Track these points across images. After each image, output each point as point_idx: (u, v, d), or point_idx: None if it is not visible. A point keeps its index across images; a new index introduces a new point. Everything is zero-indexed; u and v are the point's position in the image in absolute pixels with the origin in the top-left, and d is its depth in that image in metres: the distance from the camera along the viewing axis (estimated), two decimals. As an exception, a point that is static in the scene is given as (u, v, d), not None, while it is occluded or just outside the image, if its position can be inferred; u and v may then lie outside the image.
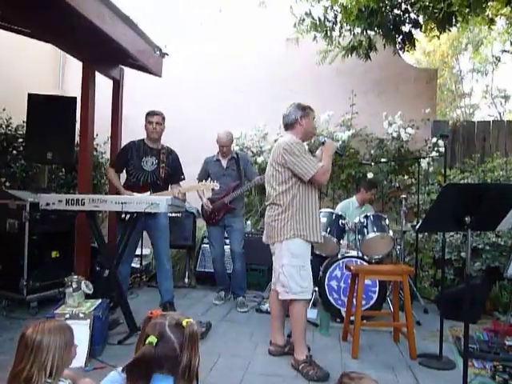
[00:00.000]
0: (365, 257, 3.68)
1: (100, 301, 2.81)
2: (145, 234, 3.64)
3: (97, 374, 2.14)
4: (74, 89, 4.71)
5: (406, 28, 4.58)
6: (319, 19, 4.56)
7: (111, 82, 4.31)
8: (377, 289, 3.53)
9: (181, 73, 5.93)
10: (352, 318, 2.98)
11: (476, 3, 3.62)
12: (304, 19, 4.59)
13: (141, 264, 4.73)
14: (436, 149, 4.93)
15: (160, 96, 5.96)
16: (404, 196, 4.32)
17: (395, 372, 2.60)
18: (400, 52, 4.91)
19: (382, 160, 4.96)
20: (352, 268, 2.99)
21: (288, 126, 2.75)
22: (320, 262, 3.84)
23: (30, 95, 4.08)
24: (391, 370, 2.62)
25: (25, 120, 4.18)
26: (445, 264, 3.27)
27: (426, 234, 4.57)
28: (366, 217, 3.77)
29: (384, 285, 3.55)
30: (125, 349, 2.72)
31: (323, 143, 2.73)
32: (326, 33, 4.67)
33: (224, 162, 3.99)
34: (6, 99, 4.63)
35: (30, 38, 4.10)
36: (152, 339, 1.18)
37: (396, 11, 4.38)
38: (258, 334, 3.18)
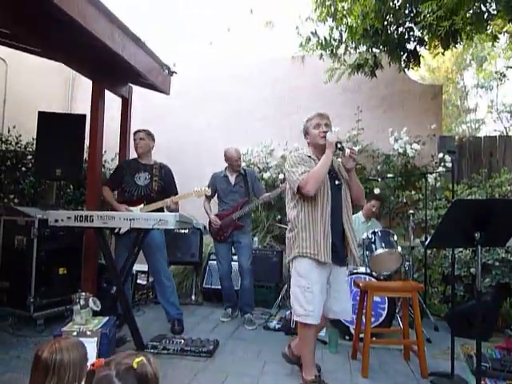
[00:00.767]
0: (373, 273, 3.67)
1: (107, 318, 2.80)
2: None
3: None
4: (83, 106, 4.81)
5: (410, 45, 4.65)
6: (325, 38, 4.64)
7: (120, 99, 4.39)
8: (386, 306, 3.50)
9: (188, 90, 6.04)
10: (361, 335, 2.95)
11: (478, 22, 3.68)
12: (310, 39, 4.67)
13: (147, 280, 4.72)
14: (443, 164, 4.94)
15: (168, 113, 6.08)
16: (411, 211, 4.32)
17: (406, 391, 2.56)
18: (405, 69, 4.97)
19: (389, 175, 4.98)
20: (360, 285, 2.98)
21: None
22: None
23: (40, 113, 4.16)
24: (402, 390, 2.58)
25: (34, 137, 4.25)
26: (454, 280, 3.24)
27: (435, 249, 4.54)
28: (374, 233, 3.76)
29: (393, 301, 3.52)
30: (132, 367, 2.69)
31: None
32: (332, 51, 4.75)
33: (232, 179, 4.02)
34: (16, 117, 4.73)
35: (41, 57, 4.21)
36: None
37: (400, 29, 4.46)
38: (266, 352, 3.15)
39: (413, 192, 4.98)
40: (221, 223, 3.92)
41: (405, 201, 4.97)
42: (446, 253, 4.44)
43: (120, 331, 3.19)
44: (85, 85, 4.96)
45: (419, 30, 4.35)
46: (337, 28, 4.52)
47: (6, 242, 3.60)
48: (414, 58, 4.67)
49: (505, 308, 3.95)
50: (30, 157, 4.75)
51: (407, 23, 4.40)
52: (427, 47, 4.48)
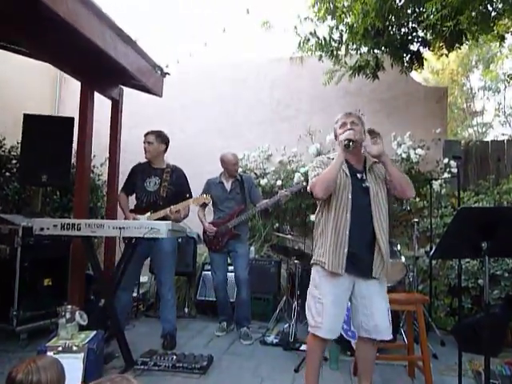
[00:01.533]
0: (376, 285, 3.66)
1: (95, 332, 2.79)
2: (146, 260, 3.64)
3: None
4: (71, 108, 4.80)
5: (413, 47, 4.68)
6: (324, 39, 4.67)
7: (110, 101, 4.39)
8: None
9: (182, 92, 6.06)
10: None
11: (484, 22, 3.71)
12: (309, 39, 4.70)
13: (138, 292, 4.69)
14: (448, 170, 4.96)
15: (161, 117, 6.08)
16: (416, 220, 4.33)
17: (411, 410, 2.54)
18: (408, 71, 5.00)
19: (392, 182, 4.99)
20: (363, 297, 2.96)
21: None
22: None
23: (25, 115, 4.15)
24: (407, 408, 2.56)
25: (19, 141, 4.24)
26: (461, 292, 3.24)
27: (441, 260, 4.55)
28: (377, 242, 3.76)
29: (397, 315, 3.51)
30: (121, 384, 2.67)
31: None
32: (332, 52, 4.77)
33: (227, 185, 4.02)
34: (0, 119, 4.71)
35: (28, 57, 4.21)
36: None
37: (403, 30, 4.49)
38: (263, 369, 3.13)
39: (417, 199, 4.99)
40: (216, 232, 3.91)
41: (409, 208, 4.97)
42: (452, 263, 4.44)
43: (108, 346, 3.17)
44: (73, 86, 4.97)
45: (422, 31, 4.38)
46: (337, 28, 4.55)
47: (-12, 252, 3.57)
48: (418, 60, 4.71)
49: (514, 321, 3.95)
50: (14, 161, 4.73)
51: (410, 23, 4.44)
52: (431, 48, 4.52)
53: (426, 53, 4.80)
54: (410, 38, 4.56)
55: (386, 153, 2.32)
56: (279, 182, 5.37)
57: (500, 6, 3.84)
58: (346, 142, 2.25)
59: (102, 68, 3.68)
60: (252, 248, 5.01)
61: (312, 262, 2.45)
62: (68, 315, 2.72)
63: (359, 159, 2.46)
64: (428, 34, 4.39)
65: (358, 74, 4.86)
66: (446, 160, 5.06)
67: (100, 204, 5.44)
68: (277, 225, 5.47)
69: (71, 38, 2.98)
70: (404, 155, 5.12)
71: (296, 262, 4.13)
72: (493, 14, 3.87)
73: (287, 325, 3.93)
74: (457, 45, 4.23)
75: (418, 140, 5.21)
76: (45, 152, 4.00)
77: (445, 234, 2.15)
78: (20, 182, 4.48)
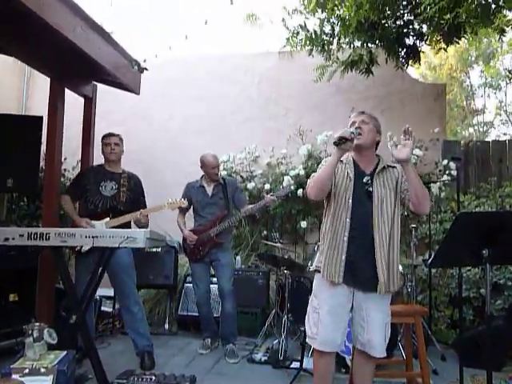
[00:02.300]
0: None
1: (65, 352, 2.73)
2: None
3: None
4: (39, 107, 4.74)
5: (409, 40, 4.74)
6: (315, 32, 4.70)
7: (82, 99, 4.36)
8: (386, 333, 3.49)
9: (162, 89, 6.04)
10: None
11: (483, 15, 3.77)
12: (298, 32, 4.73)
13: (113, 308, 4.64)
14: (448, 172, 5.02)
15: (140, 115, 6.05)
16: (414, 225, 4.36)
17: (410, 431, 2.54)
18: (404, 66, 5.05)
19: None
20: (357, 309, 2.97)
21: None
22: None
23: (-11, 115, 4.09)
24: (405, 429, 2.57)
25: (-18, 142, 4.17)
26: (462, 303, 3.27)
27: (441, 269, 4.58)
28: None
29: (394, 328, 3.52)
30: (94, 409, 2.63)
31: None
32: (323, 46, 4.81)
33: (209, 189, 4.00)
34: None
35: (-9, 51, 4.16)
36: None
37: (398, 22, 4.55)
38: (251, 389, 3.11)
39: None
40: (197, 240, 3.89)
41: (406, 213, 5.01)
42: (452, 272, 4.49)
43: (80, 367, 3.12)
44: (42, 82, 4.91)
45: (419, 24, 4.44)
46: (328, 21, 4.59)
47: None
48: (414, 55, 4.77)
49: (519, 333, 3.99)
50: (-24, 165, 4.65)
51: (406, 16, 4.50)
52: (428, 42, 4.58)
53: (423, 47, 4.87)
54: (405, 31, 4.62)
55: (409, 157, 2.30)
56: (267, 186, 5.37)
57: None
58: (337, 139, 2.25)
59: (74, 63, 3.65)
60: (238, 257, 4.99)
61: (312, 268, 2.50)
62: (36, 333, 2.67)
63: (370, 161, 2.45)
64: (425, 27, 4.45)
65: (351, 70, 4.90)
66: (445, 161, 5.12)
67: (72, 211, 5.36)
68: (265, 232, 5.47)
69: (38, 29, 2.95)
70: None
71: (286, 272, 4.12)
72: (493, 6, 3.93)
73: (277, 341, 3.91)
74: (455, 39, 4.29)
75: (415, 140, 5.25)
76: (10, 154, 3.94)
77: (444, 240, 2.17)
78: (-17, 188, 4.39)
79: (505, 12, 4.14)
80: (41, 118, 4.12)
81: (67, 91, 4.00)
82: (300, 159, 5.51)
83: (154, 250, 4.64)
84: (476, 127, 13.92)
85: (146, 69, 4.20)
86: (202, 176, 4.06)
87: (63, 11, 3.01)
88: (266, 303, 4.70)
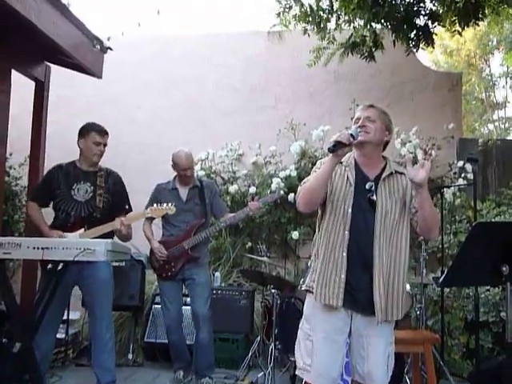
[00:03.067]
0: (374, 320, 3.68)
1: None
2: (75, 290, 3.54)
3: None
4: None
5: (420, 21, 4.79)
6: (310, 7, 4.73)
7: (33, 83, 4.32)
8: (391, 364, 3.51)
9: (129, 73, 6.01)
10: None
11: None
12: (291, 7, 4.75)
13: (66, 333, 4.58)
14: (463, 175, 5.07)
15: (104, 104, 6.00)
16: (423, 238, 4.39)
17: None
18: (414, 51, 5.10)
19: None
20: (357, 336, 2.97)
21: None
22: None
23: None
24: None
25: None
26: (480, 328, 3.29)
27: (454, 288, 4.62)
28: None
29: (401, 358, 3.53)
30: None
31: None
32: (319, 24, 4.83)
33: (183, 192, 3.98)
34: None
35: None
36: None
37: (408, -1, 4.60)
38: (230, 431, 3.09)
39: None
40: (167, 254, 3.87)
41: (414, 223, 5.06)
42: (469, 292, 4.52)
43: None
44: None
45: (431, 1, 4.49)
46: (326, -6, 4.62)
47: None
48: (426, 37, 4.81)
49: (544, 364, 4.04)
50: None
51: (416, -9, 4.56)
52: (442, 23, 4.63)
53: (437, 29, 4.92)
54: (416, 9, 4.66)
55: (427, 179, 2.24)
56: (253, 189, 5.37)
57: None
58: (332, 144, 2.23)
59: (22, 39, 3.61)
60: (217, 274, 4.97)
61: (304, 288, 2.47)
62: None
63: (375, 163, 2.42)
64: (438, 6, 4.50)
65: (352, 54, 4.94)
66: (460, 163, 5.17)
67: (17, 217, 5.31)
68: (249, 244, 5.46)
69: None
70: (409, 156, 5.20)
71: (274, 291, 4.11)
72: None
73: (262, 373, 3.90)
74: (473, 20, 4.35)
75: (426, 137, 5.30)
76: None
77: (458, 255, 2.19)
78: None
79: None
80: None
81: (14, 73, 3.95)
82: (292, 158, 5.52)
83: (117, 264, 4.58)
84: (497, 123, 14.11)
85: (111, 48, 4.17)
86: (175, 177, 4.04)
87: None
88: (249, 328, 4.68)
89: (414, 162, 5.08)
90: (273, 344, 3.88)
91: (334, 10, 4.73)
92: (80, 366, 4.39)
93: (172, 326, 3.95)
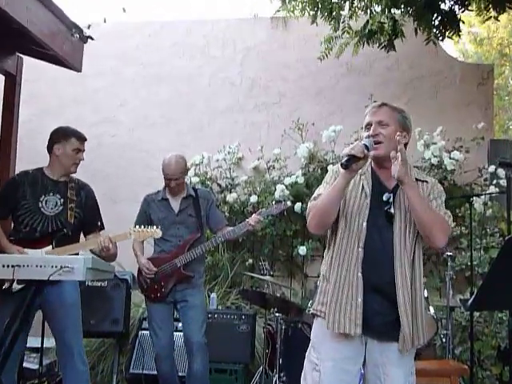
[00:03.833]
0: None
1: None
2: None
3: None
4: None
5: (445, 5, 4.81)
6: (320, -8, 4.76)
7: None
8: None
9: (112, 66, 6.03)
10: None
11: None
12: (298, -9, 4.79)
13: (40, 364, 4.57)
14: (495, 182, 5.08)
15: (83, 101, 6.02)
16: (450, 253, 4.39)
17: None
18: (439, 40, 5.11)
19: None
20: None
21: None
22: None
23: None
24: None
25: None
26: (514, 358, 3.28)
27: (486, 312, 4.61)
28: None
29: (424, 392, 3.53)
30: None
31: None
32: (331, 12, 4.85)
33: (175, 203, 3.99)
34: None
35: None
36: None
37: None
38: None
39: (452, 224, 5.06)
40: (157, 272, 3.87)
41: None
42: (502, 316, 4.52)
43: None
44: None
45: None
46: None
47: None
48: (452, 24, 4.83)
49: None
50: None
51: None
52: (471, 8, 4.64)
53: (464, 15, 4.94)
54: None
55: (409, 173, 2.30)
56: (254, 198, 5.38)
57: None
58: (345, 159, 2.20)
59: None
60: (212, 295, 4.95)
61: (312, 311, 2.48)
62: None
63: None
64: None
65: (368, 44, 4.95)
66: (491, 167, 5.18)
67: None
68: (250, 261, 5.46)
69: None
70: (434, 160, 5.22)
71: (278, 315, 4.11)
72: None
73: (265, 409, 3.89)
74: (508, 4, 4.37)
75: (452, 139, 5.33)
76: None
77: (489, 273, 2.19)
78: None
79: None
80: None
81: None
82: (298, 162, 5.53)
83: (99, 284, 4.59)
84: (534, 122, 14.11)
85: (92, 38, 4.19)
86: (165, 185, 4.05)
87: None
88: (249, 358, 4.67)
89: (439, 166, 5.15)
90: (277, 376, 3.88)
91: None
92: (55, 402, 4.38)
93: (162, 354, 3.94)
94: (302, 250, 5.25)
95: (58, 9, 3.81)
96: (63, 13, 3.88)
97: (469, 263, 4.60)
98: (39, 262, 2.82)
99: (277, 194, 5.18)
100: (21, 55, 4.36)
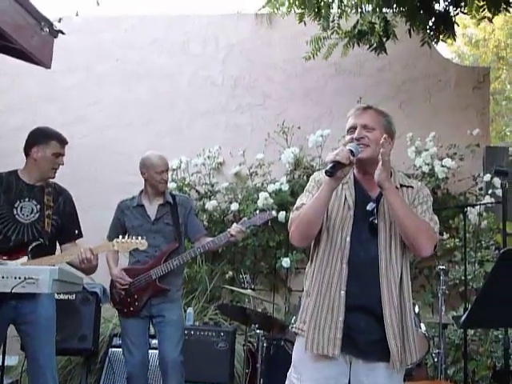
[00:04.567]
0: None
1: None
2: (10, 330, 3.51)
3: None
4: None
5: (439, 6, 4.86)
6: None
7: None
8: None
9: (84, 62, 6.00)
10: None
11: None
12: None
13: (1, 382, 4.52)
14: (491, 191, 5.12)
15: (51, 99, 5.98)
16: (443, 267, 4.40)
17: None
18: (432, 42, 5.15)
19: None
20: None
21: None
22: None
23: None
24: None
25: None
26: (510, 378, 3.30)
27: (480, 329, 4.64)
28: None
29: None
30: None
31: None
32: (319, 10, 4.87)
33: (152, 210, 3.96)
34: None
35: None
36: None
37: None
38: None
39: (445, 235, 5.10)
40: (131, 284, 3.85)
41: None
42: (497, 334, 4.55)
43: None
44: None
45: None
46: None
47: None
48: (446, 25, 4.88)
49: None
50: None
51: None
52: (465, 9, 4.69)
53: (459, 16, 4.99)
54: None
55: (389, 178, 2.29)
56: (235, 206, 5.37)
57: None
58: (329, 166, 2.19)
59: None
60: (189, 310, 4.93)
61: (293, 329, 2.48)
62: None
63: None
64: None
65: (358, 45, 4.98)
66: (487, 176, 5.22)
67: None
68: (230, 273, 5.44)
69: None
70: (425, 168, 5.25)
71: (259, 332, 4.10)
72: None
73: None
74: (504, 5, 4.42)
75: (446, 145, 5.37)
76: None
77: (484, 288, 2.20)
78: None
79: None
80: None
81: None
82: (283, 168, 5.54)
83: (66, 297, 4.55)
84: (532, 129, 14.26)
85: (62, 32, 4.16)
86: (142, 191, 4.02)
87: None
88: (228, 378, 4.64)
89: (431, 175, 5.18)
90: (257, 397, 3.86)
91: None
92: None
93: (134, 373, 3.91)
94: (286, 262, 5.25)
95: (26, 0, 3.79)
96: (31, 5, 3.85)
97: (463, 277, 4.62)
98: (1, 272, 2.79)
99: (260, 203, 5.17)
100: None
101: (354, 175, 2.43)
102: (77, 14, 5.60)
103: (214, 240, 3.90)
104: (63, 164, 3.49)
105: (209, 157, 5.73)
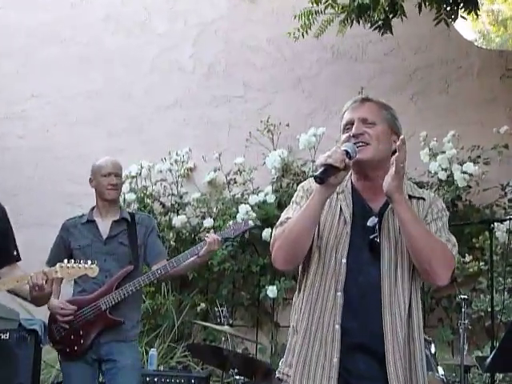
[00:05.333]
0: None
1: None
2: None
3: None
4: None
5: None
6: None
7: None
8: None
9: (21, 45, 5.99)
10: None
11: None
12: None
13: None
14: (524, 203, 5.17)
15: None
16: (465, 296, 4.41)
17: None
18: (450, 20, 5.19)
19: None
20: None
21: None
22: None
23: None
24: None
25: None
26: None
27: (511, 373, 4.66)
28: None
29: None
30: None
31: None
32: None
33: (104, 227, 3.95)
34: None
35: None
36: None
37: None
38: None
39: (467, 257, 5.12)
40: (75, 317, 3.82)
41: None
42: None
43: None
44: None
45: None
46: None
47: None
48: (466, 1, 4.91)
49: None
50: None
51: None
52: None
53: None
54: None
55: (401, 187, 2.24)
56: (209, 222, 5.35)
57: None
58: (320, 170, 2.17)
59: None
60: (152, 352, 4.89)
61: (277, 374, 2.48)
62: None
63: (381, 188, 2.30)
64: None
65: (358, 22, 5.00)
66: (517, 184, 5.27)
67: None
68: (203, 305, 5.42)
69: None
70: (442, 175, 5.27)
71: (239, 378, 4.10)
72: None
73: None
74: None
75: (467, 147, 5.39)
76: None
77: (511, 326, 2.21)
78: None
79: None
80: None
81: None
82: (268, 175, 5.54)
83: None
84: None
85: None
86: (94, 207, 4.01)
87: None
88: None
89: (450, 183, 5.20)
90: None
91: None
92: None
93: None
94: (272, 291, 5.23)
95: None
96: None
97: (489, 309, 4.63)
98: None
99: (239, 217, 5.14)
100: None
101: (351, 182, 2.42)
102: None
103: (179, 258, 3.87)
104: None
105: (176, 161, 5.72)
